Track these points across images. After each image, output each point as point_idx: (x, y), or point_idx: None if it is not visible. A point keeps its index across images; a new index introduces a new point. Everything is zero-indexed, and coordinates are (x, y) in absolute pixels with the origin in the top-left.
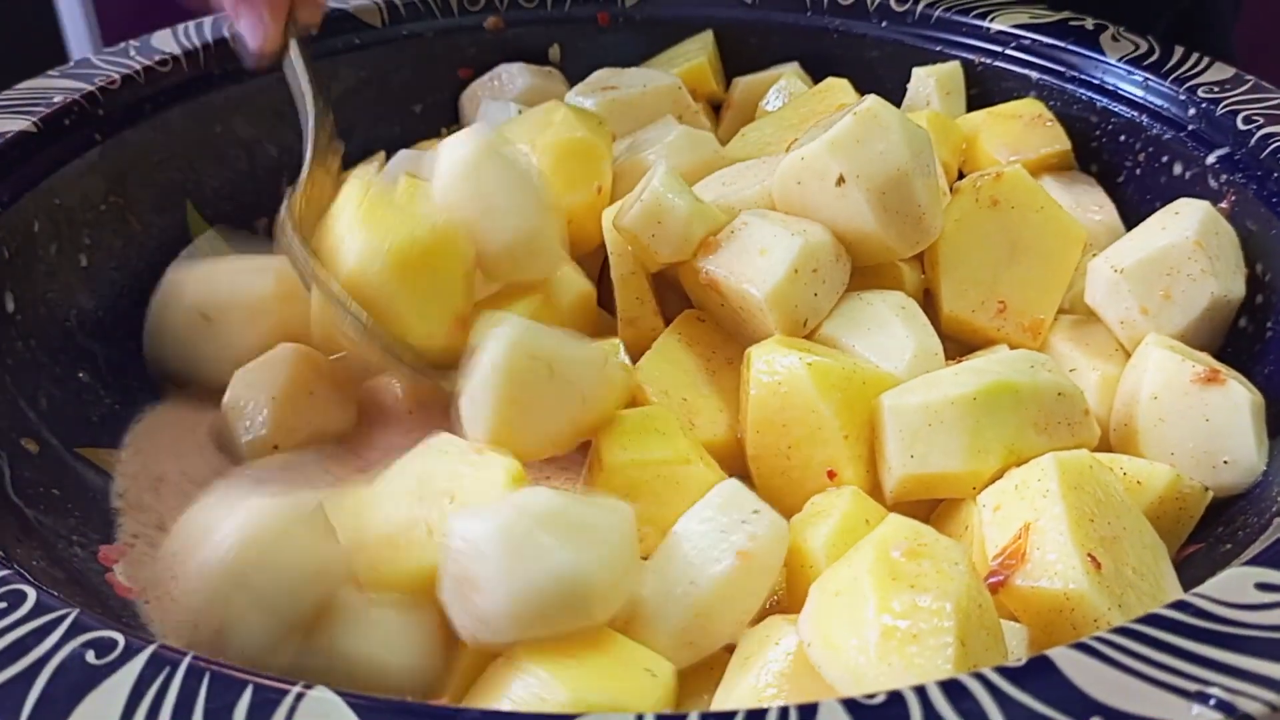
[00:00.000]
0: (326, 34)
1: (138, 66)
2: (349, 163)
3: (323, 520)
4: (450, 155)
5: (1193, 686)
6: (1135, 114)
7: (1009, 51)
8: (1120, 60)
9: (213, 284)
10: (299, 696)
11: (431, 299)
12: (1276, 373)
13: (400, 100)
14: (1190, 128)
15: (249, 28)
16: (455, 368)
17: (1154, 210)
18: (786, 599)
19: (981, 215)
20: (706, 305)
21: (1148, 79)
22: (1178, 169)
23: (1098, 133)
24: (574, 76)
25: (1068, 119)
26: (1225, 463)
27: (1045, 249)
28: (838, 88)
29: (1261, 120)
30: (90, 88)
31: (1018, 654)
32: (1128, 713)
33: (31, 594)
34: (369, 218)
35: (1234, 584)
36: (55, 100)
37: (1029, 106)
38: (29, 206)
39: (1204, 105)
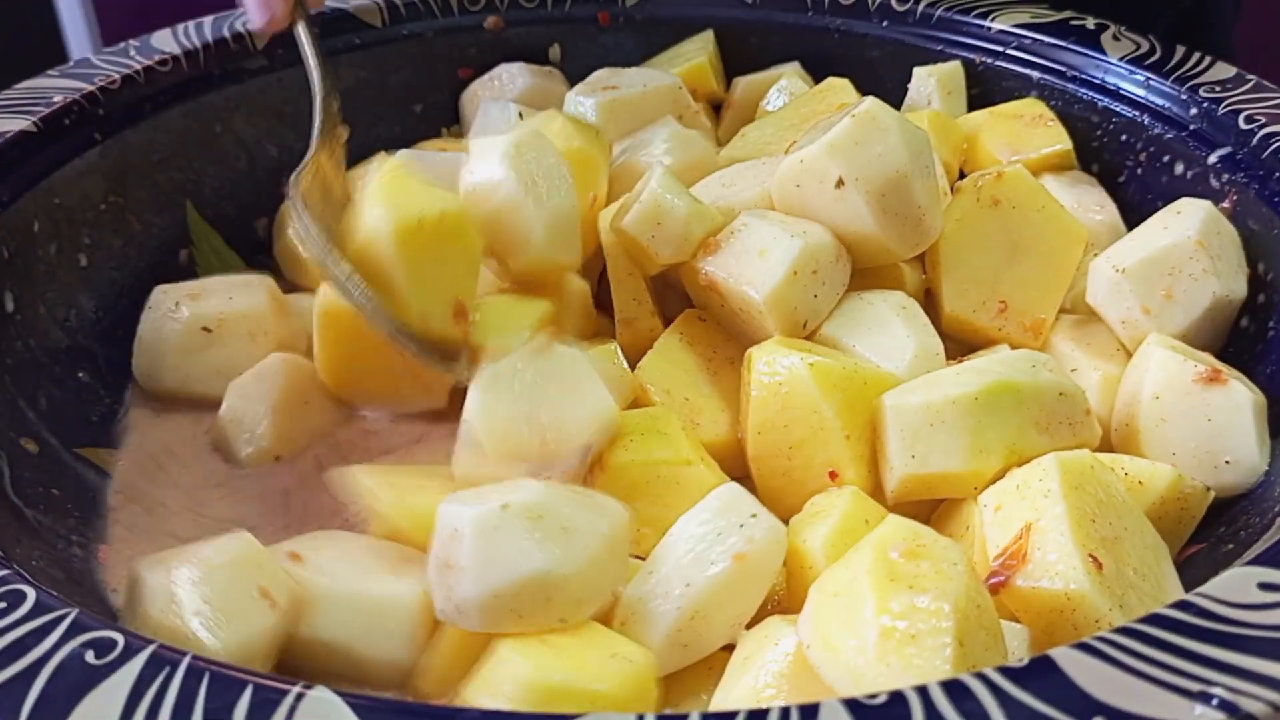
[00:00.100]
0: (327, 34)
1: (138, 66)
2: (349, 163)
3: None
4: (493, 140)
5: (1195, 686)
6: (1137, 113)
7: (1010, 51)
8: (1121, 60)
9: (209, 299)
10: (299, 696)
11: (431, 281)
12: (1278, 373)
13: (400, 100)
14: (1192, 127)
15: (255, 6)
16: (459, 357)
17: (1155, 210)
18: (786, 599)
19: (983, 215)
20: (707, 306)
21: (1149, 79)
22: (1179, 169)
23: (1099, 132)
24: (574, 76)
25: (1069, 118)
26: (1227, 463)
27: (1046, 249)
28: (838, 87)
29: (1263, 120)
30: (90, 87)
31: (1018, 655)
32: (1130, 713)
33: (31, 594)
34: (388, 192)
35: (1236, 584)
36: (55, 100)
37: (1030, 106)
38: (29, 206)
39: (1205, 105)
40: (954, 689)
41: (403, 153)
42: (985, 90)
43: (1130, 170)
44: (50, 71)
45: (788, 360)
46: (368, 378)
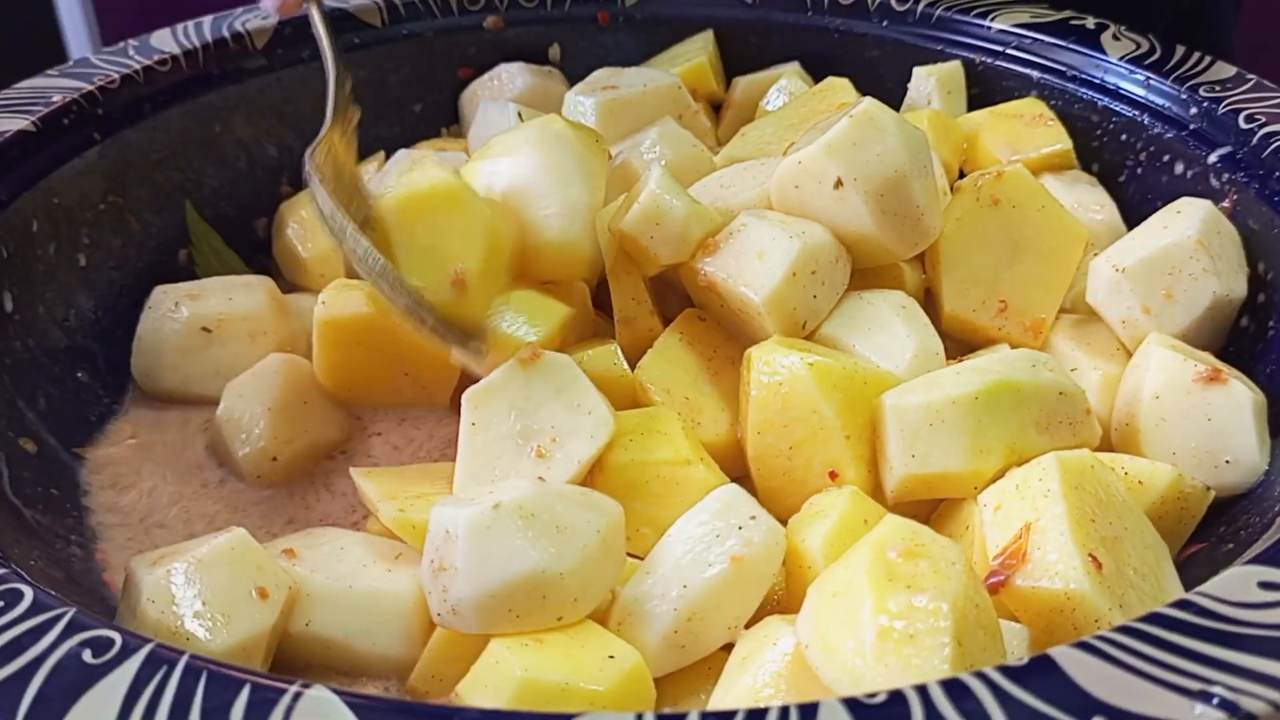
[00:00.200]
0: None
1: (137, 66)
2: None
3: None
4: (525, 128)
5: (1196, 685)
6: (1136, 113)
7: (1010, 51)
8: (1121, 59)
9: (209, 299)
10: (296, 696)
11: (427, 252)
12: (1278, 372)
13: (400, 100)
14: (1192, 127)
15: None
16: (477, 337)
17: (1155, 210)
18: (785, 599)
19: (982, 214)
20: (707, 306)
21: (1149, 78)
22: (1179, 168)
23: (1099, 132)
24: (574, 76)
25: (1069, 118)
26: (1227, 462)
27: (1046, 248)
28: (838, 87)
29: (1263, 119)
30: (89, 87)
31: (1018, 655)
32: (1130, 712)
33: (28, 593)
34: (408, 172)
35: (1236, 583)
36: (54, 100)
37: (1030, 106)
38: (28, 206)
39: (1205, 104)
40: (954, 688)
41: (402, 152)
42: (985, 90)
43: (1130, 170)
44: (49, 71)
45: (787, 360)
46: (367, 380)
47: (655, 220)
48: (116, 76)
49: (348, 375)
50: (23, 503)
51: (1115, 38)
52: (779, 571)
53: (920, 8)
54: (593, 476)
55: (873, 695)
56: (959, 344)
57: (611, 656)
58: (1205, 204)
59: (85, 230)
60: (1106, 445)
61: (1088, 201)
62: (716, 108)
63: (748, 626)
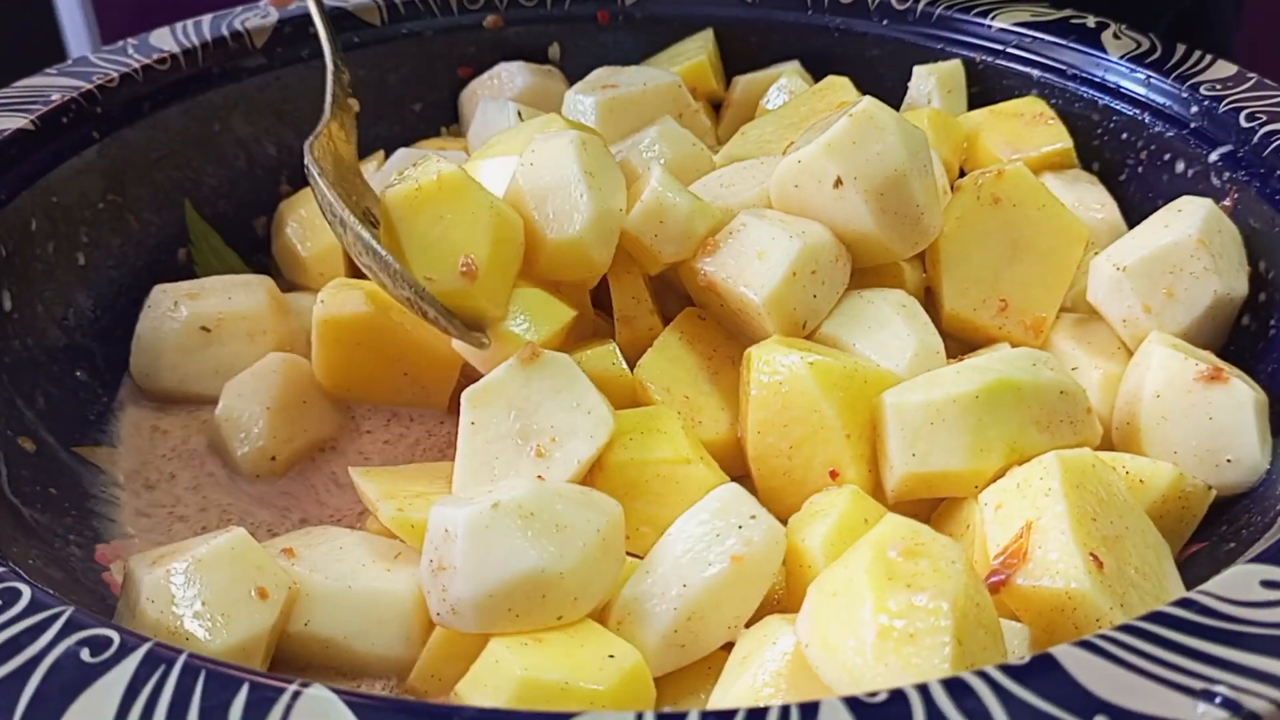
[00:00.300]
0: None
1: (136, 65)
2: None
3: None
4: (559, 132)
5: (1198, 685)
6: (1137, 112)
7: (1010, 49)
8: (1122, 58)
9: (208, 298)
10: (295, 695)
11: (434, 241)
12: (1279, 371)
13: (399, 99)
14: (1193, 125)
15: None
16: (482, 328)
17: (1156, 208)
18: (785, 598)
19: (983, 213)
20: (706, 305)
21: (1150, 77)
22: (1180, 167)
23: (1099, 131)
24: (574, 75)
25: (1069, 117)
26: (1229, 461)
27: (1047, 247)
28: (839, 86)
29: (1264, 118)
30: (88, 86)
31: (1019, 654)
32: (1132, 711)
33: (26, 591)
34: (413, 166)
35: (1239, 582)
36: (53, 98)
37: (1030, 104)
38: (26, 205)
39: (1206, 103)
40: (955, 687)
41: (402, 151)
42: (985, 89)
43: (1131, 168)
44: (48, 70)
45: (787, 359)
46: (366, 379)
47: (659, 218)
48: (115, 75)
49: (347, 375)
50: (21, 501)
51: (1116, 36)
52: (779, 571)
53: (920, 7)
54: (592, 476)
55: (874, 694)
56: (959, 343)
57: (611, 656)
58: (1206, 203)
59: (84, 229)
60: (1107, 444)
61: (1088, 200)
62: (716, 107)
63: (748, 626)
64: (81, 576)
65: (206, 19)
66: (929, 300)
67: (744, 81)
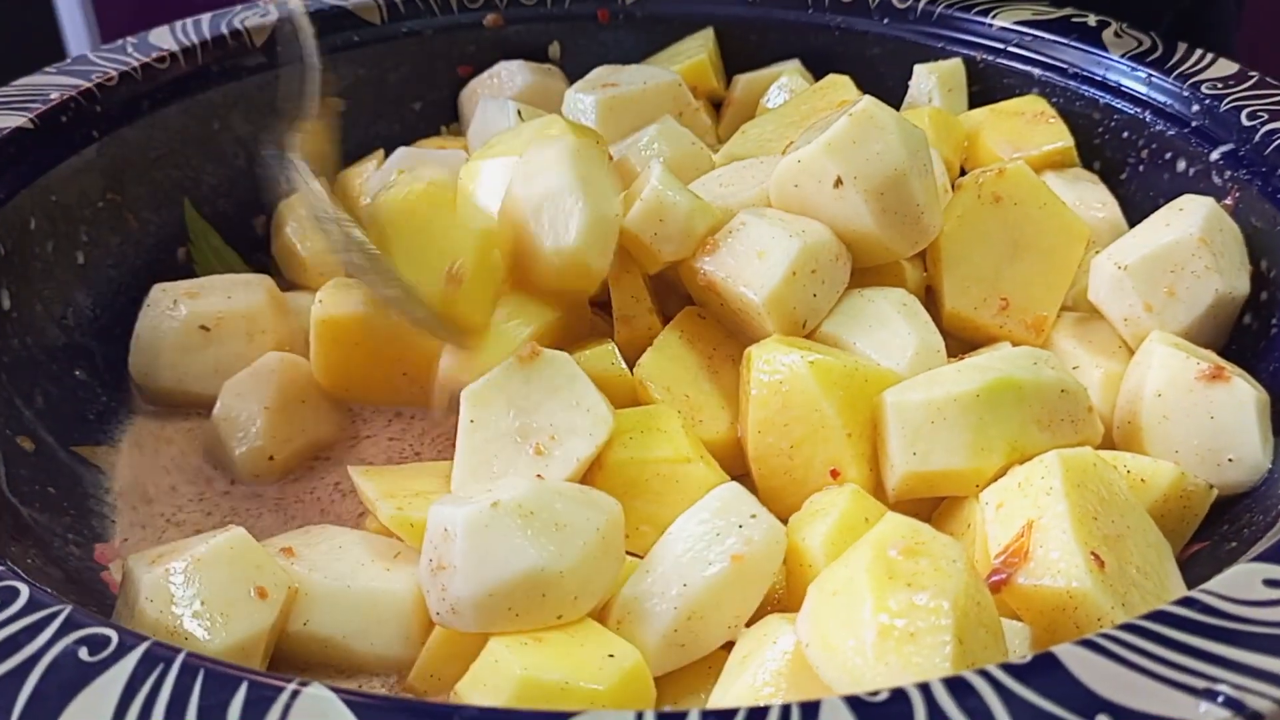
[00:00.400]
0: (325, 31)
1: (135, 63)
2: (348, 160)
3: None
4: (551, 142)
5: (1201, 684)
6: (1138, 110)
7: (1011, 48)
8: (1123, 57)
9: (207, 297)
10: (294, 694)
11: (420, 249)
12: None
13: (399, 98)
14: (1194, 124)
15: None
16: (468, 332)
17: (1157, 207)
18: (786, 597)
19: (984, 212)
20: (706, 304)
21: (1151, 75)
22: (1181, 165)
23: (1100, 129)
24: (574, 74)
25: (1070, 115)
26: (1230, 460)
27: (1048, 246)
28: (839, 84)
29: (1266, 116)
30: (88, 84)
31: (1020, 653)
32: (1135, 710)
33: (24, 590)
34: (402, 175)
35: (1241, 581)
36: (52, 97)
37: (1031, 103)
38: (26, 204)
39: (1208, 102)
40: (956, 686)
41: (401, 150)
42: (986, 87)
43: (1132, 167)
44: (48, 69)
45: (788, 359)
46: (365, 379)
47: (659, 217)
48: (115, 74)
49: (345, 374)
50: (20, 501)
51: (1117, 35)
52: (779, 570)
53: (921, 5)
54: (592, 474)
55: (875, 693)
56: (960, 342)
57: (611, 655)
58: (1208, 201)
59: (83, 228)
60: (1109, 443)
61: (1089, 199)
62: (717, 105)
63: (748, 625)
64: (80, 576)
65: (206, 18)
66: (930, 299)
67: (744, 80)
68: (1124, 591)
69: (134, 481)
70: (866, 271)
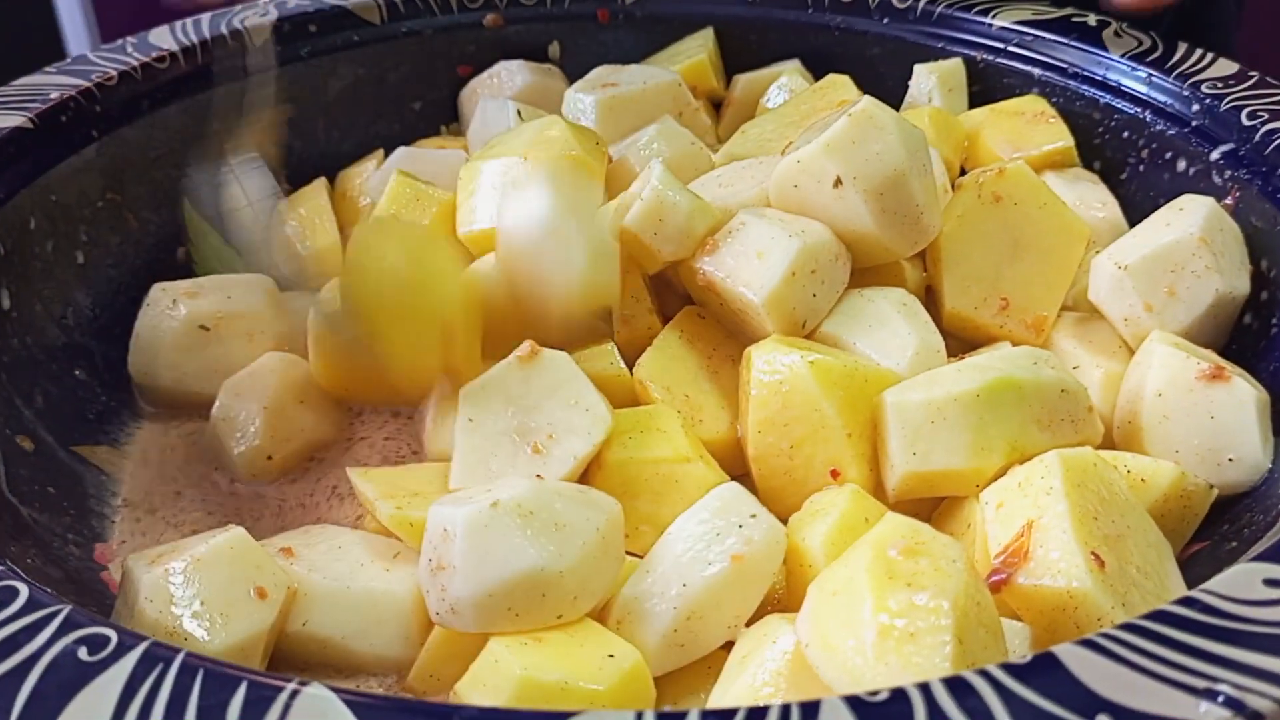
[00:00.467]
0: (325, 31)
1: (135, 63)
2: (347, 160)
3: None
4: (528, 214)
5: (1201, 683)
6: (1138, 110)
7: (1011, 48)
8: (1123, 56)
9: (207, 297)
10: (293, 694)
11: (410, 317)
12: None
13: (399, 98)
14: (1194, 124)
15: None
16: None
17: (1157, 207)
18: (786, 597)
19: (984, 212)
20: (706, 304)
21: (1151, 75)
22: (1181, 165)
23: (1101, 129)
24: (574, 74)
25: (1070, 115)
26: (1230, 460)
27: (1048, 246)
28: (839, 84)
29: (1266, 116)
30: (87, 84)
31: (1020, 653)
32: (1135, 710)
33: (23, 590)
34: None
35: (1241, 580)
36: (52, 96)
37: (1031, 103)
38: (25, 203)
39: (1208, 101)
40: (956, 686)
41: (401, 150)
42: (986, 87)
43: (1132, 167)
44: (47, 68)
45: (788, 359)
46: (363, 379)
47: (658, 216)
48: (115, 73)
49: (344, 374)
50: (20, 501)
51: (1117, 34)
52: (779, 570)
53: (921, 5)
54: (592, 474)
55: (875, 693)
56: (960, 342)
57: (611, 655)
58: (1208, 201)
59: (83, 228)
60: (1109, 443)
61: (1089, 199)
62: (717, 105)
63: (748, 625)
64: (80, 576)
65: (206, 17)
66: (930, 299)
67: (744, 80)
68: (1124, 591)
69: (132, 481)
70: (866, 271)
